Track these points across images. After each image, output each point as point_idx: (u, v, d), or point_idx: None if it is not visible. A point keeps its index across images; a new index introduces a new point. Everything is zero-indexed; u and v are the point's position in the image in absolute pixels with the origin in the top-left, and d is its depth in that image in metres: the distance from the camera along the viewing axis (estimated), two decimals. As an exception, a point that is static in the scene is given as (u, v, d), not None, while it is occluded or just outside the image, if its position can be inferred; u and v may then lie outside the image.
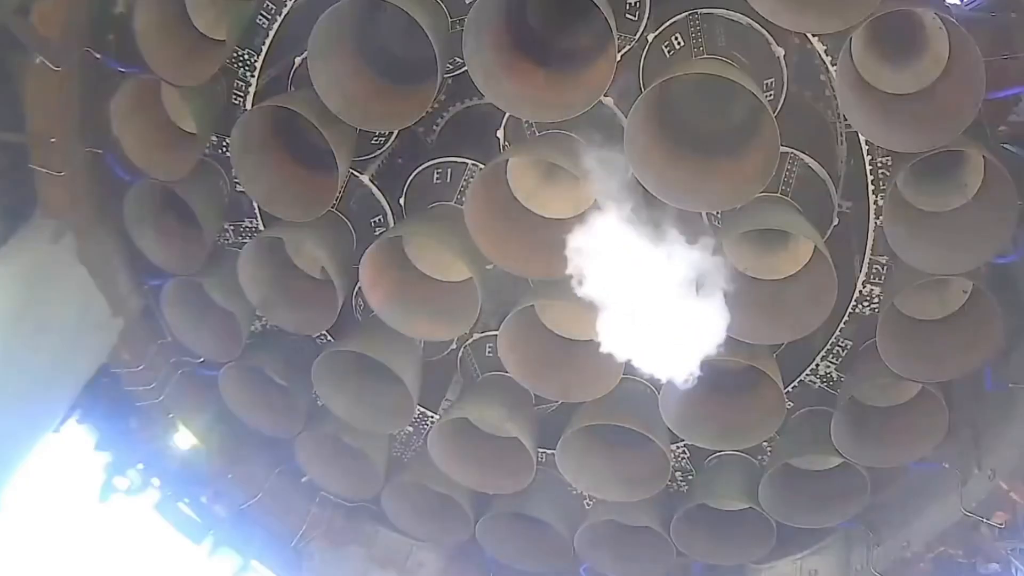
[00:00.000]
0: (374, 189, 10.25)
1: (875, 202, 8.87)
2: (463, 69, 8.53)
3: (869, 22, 7.42)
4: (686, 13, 8.67)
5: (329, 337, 10.93)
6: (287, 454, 11.34)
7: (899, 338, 8.86)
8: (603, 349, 8.03)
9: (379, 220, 10.47)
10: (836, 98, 8.46)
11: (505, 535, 11.26)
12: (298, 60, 9.44)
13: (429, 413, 11.27)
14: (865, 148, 8.72)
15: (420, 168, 10.04)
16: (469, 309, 9.48)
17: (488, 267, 9.40)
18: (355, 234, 10.42)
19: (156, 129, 9.84)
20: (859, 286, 9.47)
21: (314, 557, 11.79)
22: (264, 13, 9.24)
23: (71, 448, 11.45)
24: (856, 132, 8.49)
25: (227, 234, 10.77)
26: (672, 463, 10.07)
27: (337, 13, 8.30)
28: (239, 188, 10.18)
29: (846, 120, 8.66)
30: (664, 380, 8.47)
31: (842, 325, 9.70)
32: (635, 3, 8.70)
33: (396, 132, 9.90)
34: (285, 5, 9.16)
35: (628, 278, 7.65)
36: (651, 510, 10.50)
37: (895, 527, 9.71)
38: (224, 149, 9.96)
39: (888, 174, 8.69)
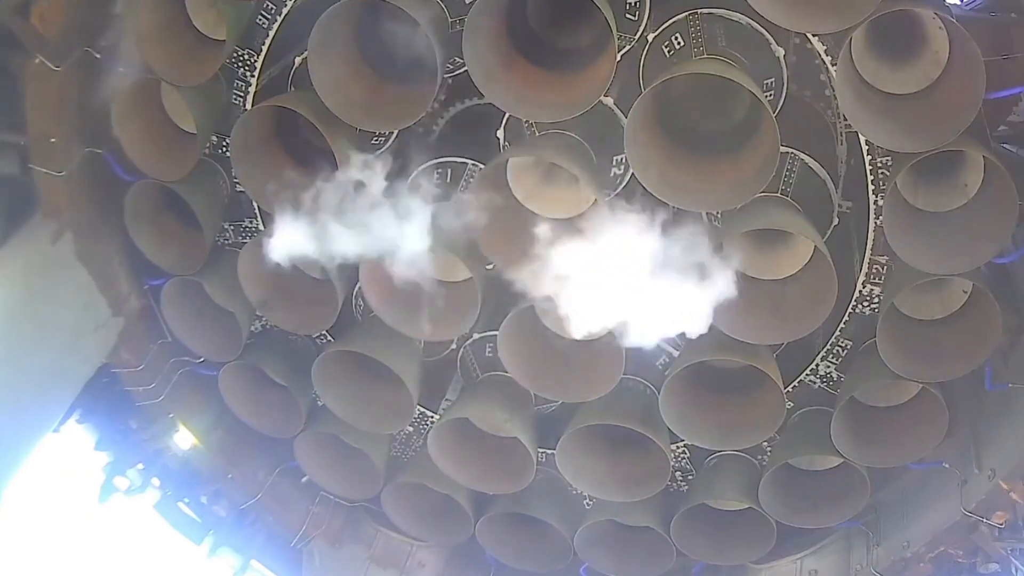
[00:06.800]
0: (374, 189, 10.25)
1: (875, 202, 8.87)
2: (463, 69, 8.54)
3: (869, 22, 7.41)
4: (686, 13, 8.67)
5: (329, 337, 10.94)
6: (287, 454, 11.34)
7: (899, 338, 8.86)
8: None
9: (379, 220, 10.47)
10: (836, 98, 8.47)
11: (505, 535, 11.26)
12: (298, 60, 9.46)
13: (429, 413, 11.27)
14: (865, 148, 8.72)
15: (420, 168, 10.04)
16: (469, 309, 9.48)
17: (488, 267, 9.40)
18: (355, 234, 10.42)
19: (156, 129, 9.84)
20: (859, 286, 9.46)
21: (314, 557, 11.79)
22: (264, 13, 9.25)
23: (71, 448, 11.48)
24: (856, 132, 8.49)
25: (227, 234, 10.76)
26: (672, 463, 10.05)
27: (337, 13, 8.31)
28: (239, 188, 10.19)
29: (846, 120, 8.66)
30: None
31: (842, 325, 9.69)
32: (635, 3, 8.70)
33: (396, 132, 9.90)
34: (285, 5, 9.17)
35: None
36: (651, 510, 10.48)
37: (895, 527, 9.70)
38: (224, 149, 9.97)
39: (888, 174, 8.69)
